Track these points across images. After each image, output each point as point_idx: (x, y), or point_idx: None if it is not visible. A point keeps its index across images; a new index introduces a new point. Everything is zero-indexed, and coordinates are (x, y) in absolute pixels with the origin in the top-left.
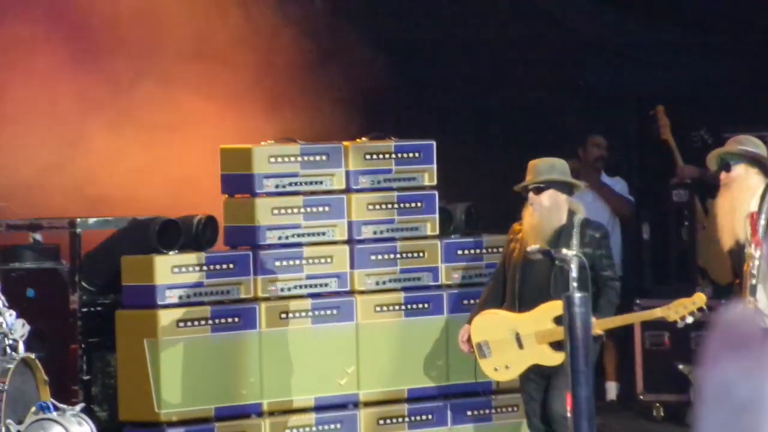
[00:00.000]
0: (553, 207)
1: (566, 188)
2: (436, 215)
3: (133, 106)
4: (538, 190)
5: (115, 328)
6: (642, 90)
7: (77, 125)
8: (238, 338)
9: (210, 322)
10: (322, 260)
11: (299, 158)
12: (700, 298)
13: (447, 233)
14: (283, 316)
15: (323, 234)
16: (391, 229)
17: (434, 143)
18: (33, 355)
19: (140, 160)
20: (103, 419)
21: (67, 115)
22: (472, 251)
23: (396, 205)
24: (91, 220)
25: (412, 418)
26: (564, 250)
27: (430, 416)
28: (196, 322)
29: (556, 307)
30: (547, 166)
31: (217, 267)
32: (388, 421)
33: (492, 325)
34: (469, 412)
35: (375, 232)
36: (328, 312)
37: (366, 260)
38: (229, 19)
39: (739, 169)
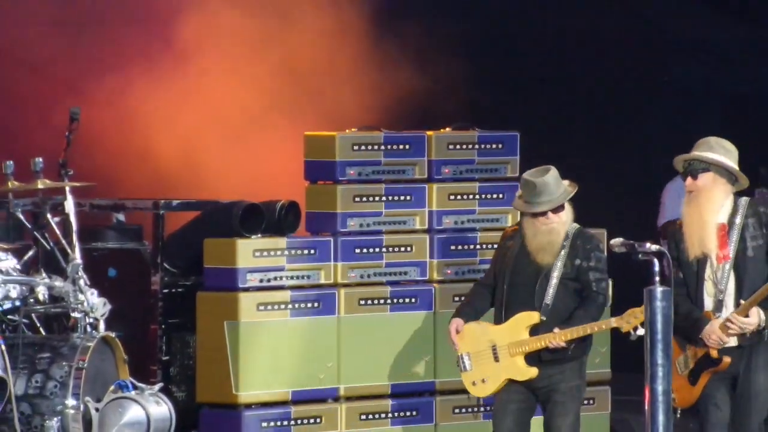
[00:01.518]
0: (565, 221)
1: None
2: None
3: (217, 91)
4: (555, 210)
5: (195, 310)
6: (728, 89)
7: (162, 109)
8: (317, 323)
9: (290, 306)
10: (402, 249)
11: (382, 147)
12: (640, 311)
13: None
14: (362, 302)
15: (404, 223)
16: (472, 220)
17: (518, 134)
18: (113, 334)
19: (224, 145)
20: (181, 400)
21: (152, 98)
22: None
23: (477, 196)
24: (175, 202)
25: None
26: (648, 244)
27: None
28: (276, 306)
29: (531, 316)
30: (552, 182)
31: (298, 252)
32: (463, 410)
33: (474, 336)
34: None
35: (456, 222)
36: (407, 300)
37: (446, 250)
38: (313, 10)
39: (706, 178)
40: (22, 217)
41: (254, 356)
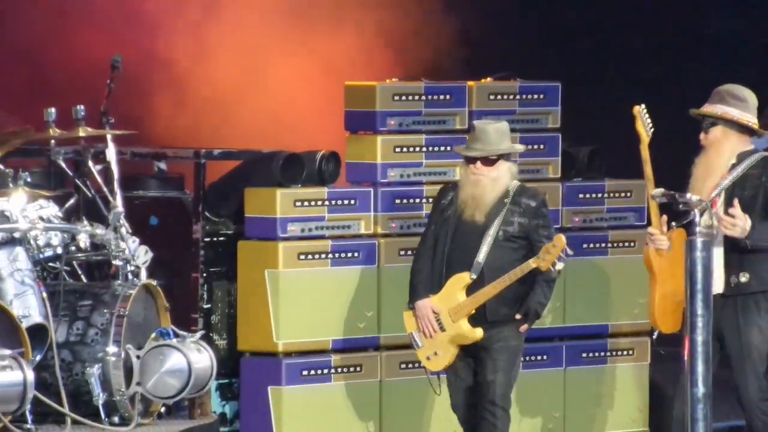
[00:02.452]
0: (503, 175)
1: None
2: (559, 158)
3: (261, 42)
4: (488, 162)
5: (236, 259)
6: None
7: (202, 59)
8: (357, 273)
9: (330, 255)
10: None
11: (423, 97)
12: (559, 240)
13: (569, 176)
14: (402, 252)
15: (444, 173)
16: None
17: (559, 85)
18: (155, 282)
19: (264, 95)
20: (222, 348)
21: (191, 47)
22: (594, 195)
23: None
24: (216, 152)
25: (527, 358)
26: (689, 195)
27: (545, 356)
28: (316, 256)
29: (462, 278)
30: (497, 131)
31: (339, 202)
32: None
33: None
34: (583, 354)
35: None
36: None
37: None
38: None
39: (716, 132)
40: (63, 165)
41: (294, 305)
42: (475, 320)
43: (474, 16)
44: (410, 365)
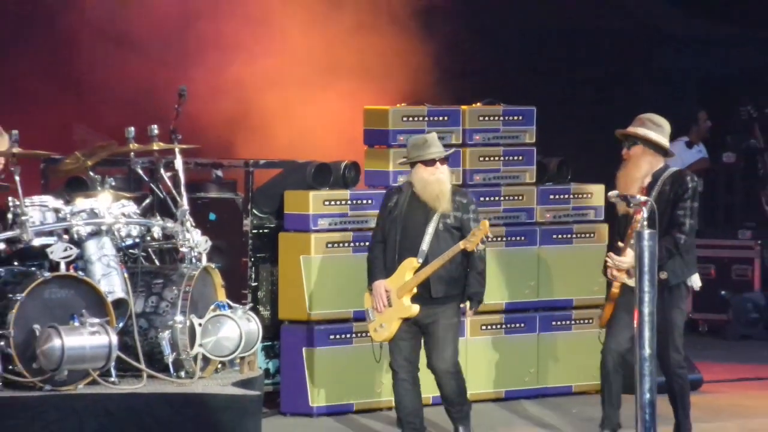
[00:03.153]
0: (444, 177)
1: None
2: (534, 167)
3: (297, 72)
4: (444, 161)
5: (277, 247)
6: (701, 73)
7: (251, 86)
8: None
9: (351, 244)
10: None
11: (426, 118)
12: (484, 225)
13: (542, 181)
14: None
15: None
16: (497, 177)
17: (534, 109)
18: (213, 265)
19: (300, 113)
20: (266, 317)
21: (242, 76)
22: (562, 196)
23: (502, 158)
24: (261, 161)
25: (508, 325)
26: (638, 196)
27: (522, 324)
28: (340, 244)
29: (411, 262)
30: (437, 139)
31: (359, 202)
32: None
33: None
34: (553, 322)
35: (484, 179)
36: None
37: (477, 200)
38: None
39: (637, 149)
40: (140, 172)
41: (323, 283)
42: (422, 298)
43: (469, 53)
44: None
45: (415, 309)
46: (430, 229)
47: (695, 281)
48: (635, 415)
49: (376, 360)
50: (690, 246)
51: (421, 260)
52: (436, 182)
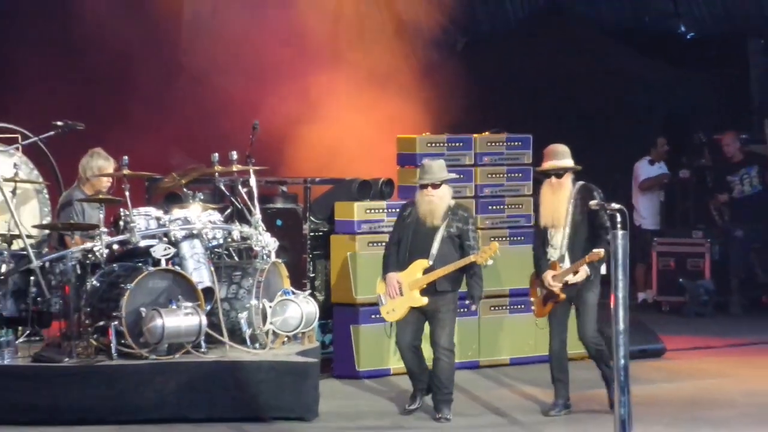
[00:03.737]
0: (445, 195)
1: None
2: (531, 182)
3: (341, 102)
4: (436, 186)
5: (330, 246)
6: (665, 111)
7: (306, 121)
8: None
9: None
10: None
11: (445, 144)
12: (494, 246)
13: (537, 193)
14: None
15: (459, 192)
16: (502, 190)
17: (530, 136)
18: (280, 260)
19: (347, 140)
20: (322, 301)
21: (301, 114)
22: None
23: (505, 175)
24: (317, 179)
25: (512, 307)
26: (613, 204)
27: (522, 306)
28: (379, 244)
29: (423, 263)
30: (440, 166)
31: (393, 210)
32: (495, 308)
33: (390, 281)
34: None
35: (491, 192)
36: None
37: (486, 208)
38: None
39: (565, 177)
40: (223, 188)
41: (366, 274)
42: (429, 291)
43: (479, 92)
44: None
45: (424, 300)
46: (438, 237)
47: (604, 269)
48: (615, 376)
49: (387, 336)
50: None
51: (431, 262)
52: (427, 203)
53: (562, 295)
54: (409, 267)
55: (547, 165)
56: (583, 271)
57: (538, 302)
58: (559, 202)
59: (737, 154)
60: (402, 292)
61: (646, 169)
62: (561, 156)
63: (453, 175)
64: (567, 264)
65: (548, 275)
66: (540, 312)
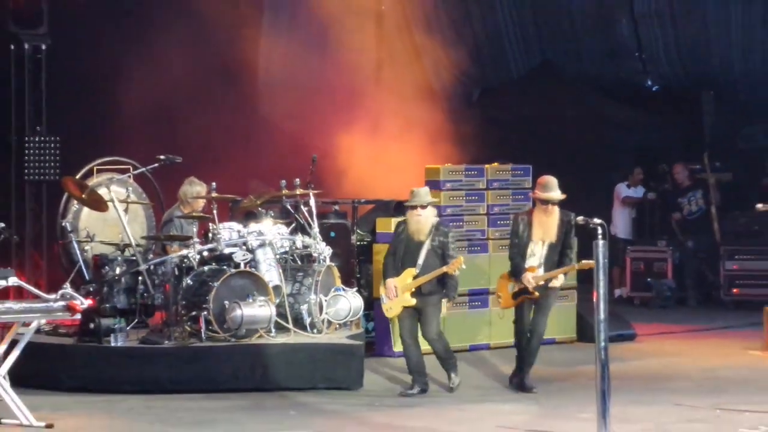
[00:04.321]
0: (430, 215)
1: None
2: (531, 202)
3: (382, 140)
4: (423, 207)
5: (372, 252)
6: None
7: (356, 152)
8: None
9: None
10: (474, 222)
11: (463, 172)
12: (459, 260)
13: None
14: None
15: (474, 210)
16: (508, 209)
17: (531, 166)
18: (333, 264)
19: (385, 168)
20: (366, 296)
21: (351, 144)
22: None
23: (511, 197)
24: (362, 200)
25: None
26: (595, 219)
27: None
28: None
29: (412, 271)
30: (425, 192)
31: None
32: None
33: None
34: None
35: (500, 210)
36: (476, 247)
37: (495, 223)
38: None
39: (556, 207)
40: (289, 207)
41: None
42: (417, 293)
43: (490, 131)
44: (459, 305)
45: (413, 301)
46: (424, 249)
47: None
48: (596, 356)
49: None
50: None
51: (417, 270)
52: (415, 222)
53: (536, 294)
54: (402, 274)
55: (544, 195)
56: (562, 277)
57: (507, 296)
58: (551, 223)
59: (686, 180)
60: (396, 294)
61: (625, 191)
62: (553, 188)
63: (435, 200)
64: (541, 271)
65: (528, 276)
66: (508, 304)
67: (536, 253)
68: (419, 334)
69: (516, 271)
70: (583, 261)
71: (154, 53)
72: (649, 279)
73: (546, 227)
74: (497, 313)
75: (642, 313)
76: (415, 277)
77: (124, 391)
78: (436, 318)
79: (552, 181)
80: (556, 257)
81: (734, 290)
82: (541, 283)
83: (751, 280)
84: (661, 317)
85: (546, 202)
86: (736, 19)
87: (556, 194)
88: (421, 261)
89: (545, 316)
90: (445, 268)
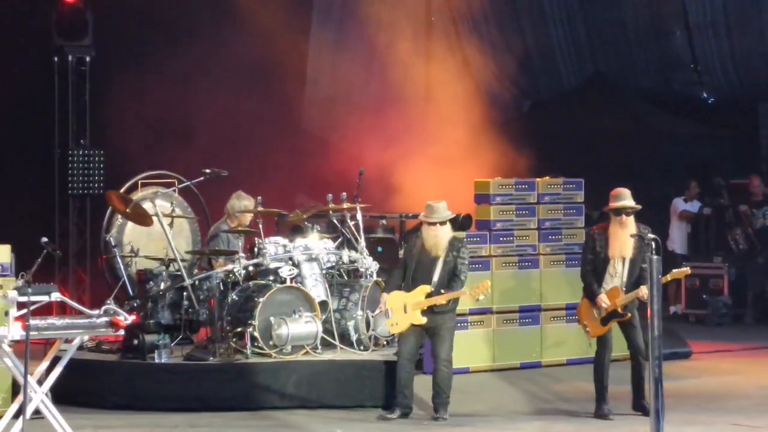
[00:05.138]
0: (448, 230)
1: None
2: (583, 216)
3: (432, 153)
4: (442, 224)
5: None
6: (690, 161)
7: (402, 166)
8: (481, 273)
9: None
10: (524, 237)
11: (513, 186)
12: (485, 284)
13: (588, 225)
14: (504, 264)
15: (524, 225)
16: (560, 224)
17: (583, 180)
18: (380, 279)
19: (432, 182)
20: None
21: (399, 158)
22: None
23: (562, 211)
24: (410, 214)
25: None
26: (649, 234)
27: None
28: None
29: (426, 288)
30: (444, 207)
31: (473, 239)
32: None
33: (395, 298)
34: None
35: (551, 225)
36: (528, 263)
37: (547, 238)
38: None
39: (631, 217)
40: (336, 222)
41: None
42: (430, 311)
43: (541, 144)
44: (510, 321)
45: (425, 320)
46: (439, 265)
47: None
48: (649, 373)
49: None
50: None
51: (432, 288)
52: (433, 238)
53: (628, 315)
54: (415, 290)
55: (618, 204)
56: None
57: (595, 324)
58: (626, 236)
59: (760, 194)
60: (406, 311)
61: (682, 205)
62: (628, 198)
63: (452, 214)
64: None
65: (603, 298)
66: (597, 332)
67: (618, 271)
68: (413, 354)
69: (589, 292)
70: (674, 270)
71: (199, 64)
72: (704, 296)
73: (622, 241)
74: (588, 343)
75: (697, 331)
76: (428, 295)
77: (168, 409)
78: (450, 339)
79: (625, 191)
80: (636, 273)
81: None
82: (646, 298)
83: None
84: (717, 335)
85: (620, 212)
86: None
87: (631, 203)
88: (436, 278)
89: (641, 335)
90: (467, 292)
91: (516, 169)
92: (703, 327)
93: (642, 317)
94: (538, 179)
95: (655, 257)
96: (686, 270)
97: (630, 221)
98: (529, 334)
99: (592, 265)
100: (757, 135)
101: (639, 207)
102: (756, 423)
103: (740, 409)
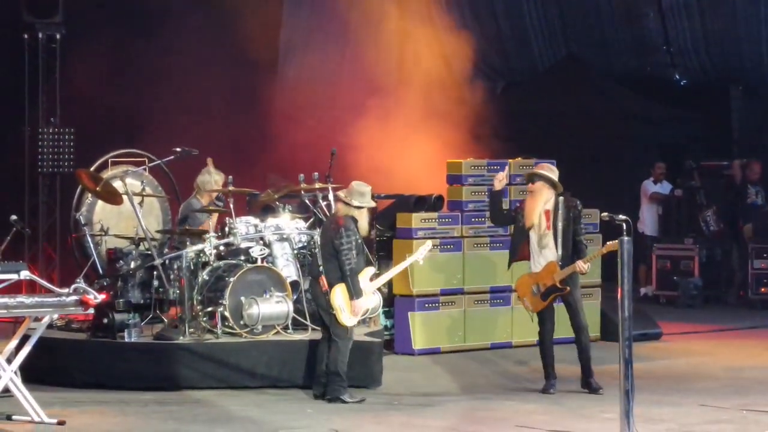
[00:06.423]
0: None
1: None
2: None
3: (403, 133)
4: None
5: (392, 248)
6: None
7: (375, 144)
8: (452, 256)
9: (438, 247)
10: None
11: (486, 167)
12: (428, 243)
13: None
14: (475, 245)
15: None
16: None
17: (554, 161)
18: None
19: (405, 162)
20: (385, 293)
21: (370, 138)
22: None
23: None
24: (382, 195)
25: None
26: (620, 215)
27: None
28: (432, 246)
29: (370, 269)
30: (369, 192)
31: (443, 220)
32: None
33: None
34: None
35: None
36: (499, 243)
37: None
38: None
39: (539, 184)
40: (307, 202)
41: (421, 270)
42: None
43: (513, 125)
44: (482, 302)
45: (543, 304)
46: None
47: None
48: (620, 354)
49: (531, 320)
50: None
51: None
52: (365, 220)
53: (567, 288)
54: (543, 269)
55: (529, 172)
56: (587, 266)
57: (535, 299)
58: (534, 205)
59: (755, 178)
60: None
61: (652, 187)
62: (545, 168)
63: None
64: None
65: (555, 273)
66: (539, 306)
67: (548, 245)
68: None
69: (510, 261)
70: (609, 243)
71: (171, 44)
72: (675, 277)
73: (530, 209)
74: (530, 317)
75: (668, 312)
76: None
77: (138, 388)
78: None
79: (544, 164)
80: (570, 247)
81: (762, 289)
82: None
83: None
84: (687, 316)
85: (531, 179)
86: (766, 12)
87: (542, 171)
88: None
89: (582, 310)
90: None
91: (488, 151)
92: (674, 308)
93: (573, 291)
94: (510, 160)
95: (625, 238)
96: (615, 243)
97: (538, 188)
98: (500, 314)
99: (519, 238)
100: (728, 118)
101: (546, 174)
102: (723, 404)
103: (708, 390)
